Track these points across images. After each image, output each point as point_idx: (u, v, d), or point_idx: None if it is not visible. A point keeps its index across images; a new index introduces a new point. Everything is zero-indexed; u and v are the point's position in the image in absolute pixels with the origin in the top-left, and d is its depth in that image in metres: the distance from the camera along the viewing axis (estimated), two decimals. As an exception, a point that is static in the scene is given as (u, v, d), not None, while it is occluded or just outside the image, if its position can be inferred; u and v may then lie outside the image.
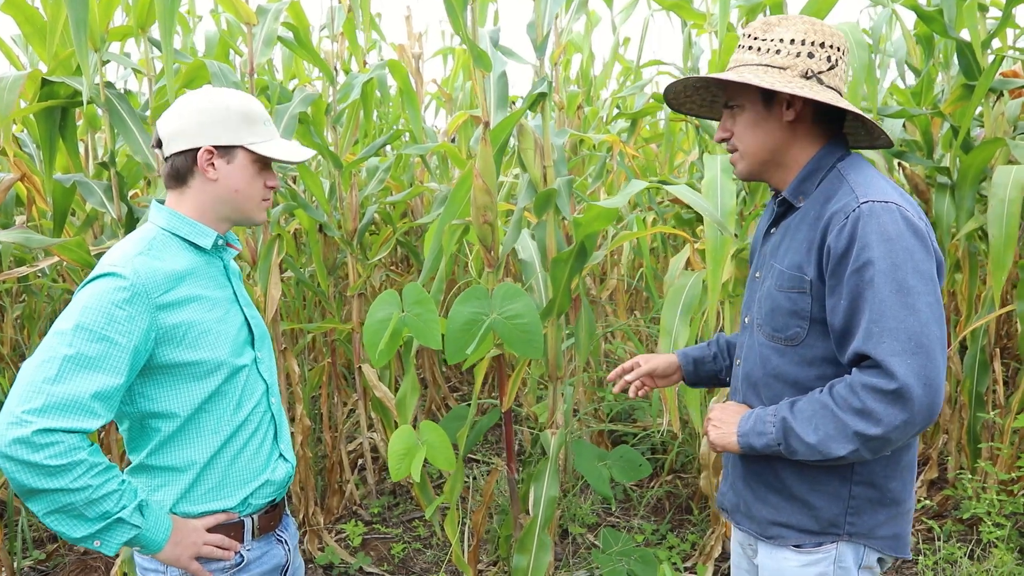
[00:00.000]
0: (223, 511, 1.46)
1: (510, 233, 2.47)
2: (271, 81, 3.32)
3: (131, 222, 2.75)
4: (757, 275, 1.55)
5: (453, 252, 2.50)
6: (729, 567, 2.95)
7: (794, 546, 1.45)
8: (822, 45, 1.39)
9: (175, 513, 1.42)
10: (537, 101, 2.31)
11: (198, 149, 1.44)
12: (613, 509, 3.58)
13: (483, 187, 2.29)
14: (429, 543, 3.42)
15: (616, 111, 4.35)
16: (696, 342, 2.60)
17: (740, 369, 1.56)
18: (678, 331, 2.39)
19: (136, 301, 1.31)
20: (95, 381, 1.26)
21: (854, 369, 1.30)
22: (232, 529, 1.47)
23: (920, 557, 2.95)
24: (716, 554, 2.98)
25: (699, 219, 3.59)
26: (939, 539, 3.07)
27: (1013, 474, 3.05)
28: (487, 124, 2.22)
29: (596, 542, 3.24)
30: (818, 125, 1.44)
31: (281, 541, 1.60)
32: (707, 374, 1.79)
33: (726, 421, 1.46)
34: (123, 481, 1.31)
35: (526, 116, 2.44)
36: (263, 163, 1.51)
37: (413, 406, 2.49)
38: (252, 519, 1.51)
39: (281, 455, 1.59)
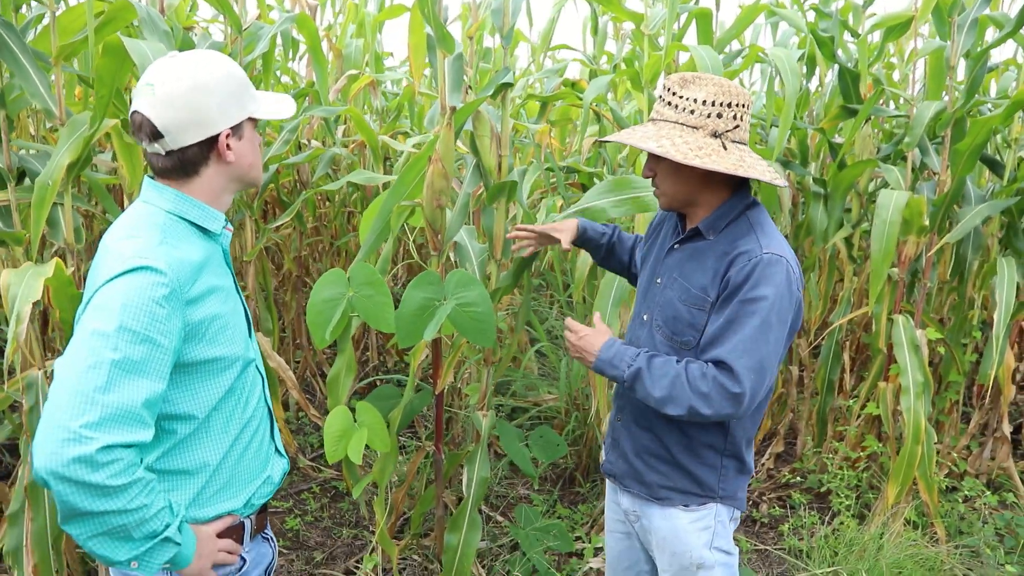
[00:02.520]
0: (229, 513, 1.40)
1: (456, 218, 2.47)
2: (174, 24, 3.03)
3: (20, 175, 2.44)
4: (658, 281, 1.80)
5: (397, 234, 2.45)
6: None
7: (683, 506, 1.78)
8: (728, 105, 1.60)
9: (186, 520, 1.34)
10: (500, 90, 2.31)
11: (216, 136, 1.32)
12: (536, 486, 3.71)
13: (442, 171, 2.27)
14: (320, 517, 3.38)
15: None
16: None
17: None
18: (611, 323, 2.52)
19: (173, 298, 1.21)
20: (144, 388, 1.15)
21: (710, 363, 1.61)
22: (234, 532, 1.42)
23: (784, 526, 3.34)
24: (609, 525, 3.20)
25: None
26: (793, 507, 3.51)
27: (859, 453, 3.53)
28: (453, 108, 2.19)
29: (492, 514, 3.36)
30: (727, 173, 1.65)
31: (267, 539, 1.56)
32: (592, 246, 2.19)
33: (590, 339, 1.75)
34: (166, 496, 1.23)
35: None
36: (253, 121, 1.41)
37: (348, 386, 2.44)
38: (251, 520, 1.46)
39: (277, 450, 1.54)
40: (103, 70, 2.28)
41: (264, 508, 1.52)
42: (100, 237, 4.00)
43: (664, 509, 1.80)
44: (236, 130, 1.35)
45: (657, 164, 1.69)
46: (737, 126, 1.61)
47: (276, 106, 1.42)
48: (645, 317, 1.81)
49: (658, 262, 1.83)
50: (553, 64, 4.08)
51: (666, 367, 1.62)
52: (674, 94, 1.62)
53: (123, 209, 3.38)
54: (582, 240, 2.17)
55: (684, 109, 1.60)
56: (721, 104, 1.59)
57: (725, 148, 1.58)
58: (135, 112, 1.29)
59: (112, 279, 1.20)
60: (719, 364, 1.59)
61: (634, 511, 1.88)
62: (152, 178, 1.37)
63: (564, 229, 2.14)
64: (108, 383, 1.12)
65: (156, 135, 1.28)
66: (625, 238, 2.19)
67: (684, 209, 1.75)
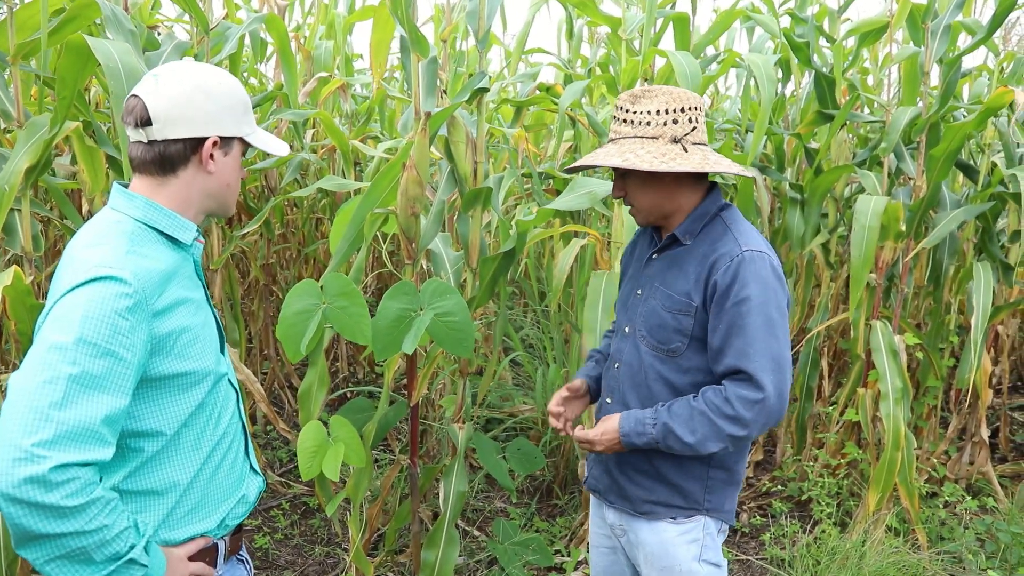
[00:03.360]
0: (203, 535, 1.32)
1: (431, 226, 2.40)
2: (138, 23, 2.91)
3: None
4: (639, 292, 1.77)
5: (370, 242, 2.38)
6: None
7: (670, 519, 1.74)
8: (682, 110, 1.61)
9: (157, 542, 1.26)
10: (475, 95, 2.24)
11: (203, 139, 1.28)
12: (514, 499, 3.63)
13: (416, 178, 2.19)
14: (290, 535, 3.27)
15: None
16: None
17: (620, 371, 1.78)
18: (602, 328, 2.47)
19: (138, 310, 1.15)
20: (104, 403, 1.09)
21: (725, 381, 1.59)
22: (207, 554, 1.34)
23: (765, 535, 3.30)
24: (588, 537, 3.14)
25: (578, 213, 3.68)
26: (774, 516, 3.47)
27: (839, 460, 3.50)
28: (428, 114, 2.12)
29: (469, 529, 3.28)
30: (695, 176, 1.68)
31: (242, 560, 1.50)
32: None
33: (607, 431, 1.70)
34: (131, 516, 1.15)
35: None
36: (245, 147, 1.38)
37: (321, 400, 2.35)
38: (224, 541, 1.39)
39: (252, 468, 1.46)
40: (65, 70, 2.18)
41: (239, 529, 1.45)
42: (59, 244, 3.85)
43: (651, 523, 1.76)
44: (225, 144, 1.32)
45: (625, 182, 1.69)
46: (695, 128, 1.62)
47: (271, 141, 1.41)
48: (627, 329, 1.79)
49: (637, 274, 1.82)
50: (527, 68, 4.03)
51: (684, 407, 1.60)
52: (627, 111, 1.64)
53: (83, 215, 3.26)
54: (595, 383, 1.99)
55: (640, 123, 1.62)
56: (674, 111, 1.61)
57: (686, 151, 1.59)
58: (132, 96, 1.27)
59: (73, 289, 1.14)
60: (733, 375, 1.57)
61: (620, 525, 1.84)
62: (123, 185, 1.32)
63: (579, 398, 1.97)
64: (64, 399, 1.06)
65: (145, 121, 1.26)
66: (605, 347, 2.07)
67: (660, 222, 1.74)
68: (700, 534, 1.75)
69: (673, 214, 1.70)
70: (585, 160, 1.70)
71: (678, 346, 1.66)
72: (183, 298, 1.27)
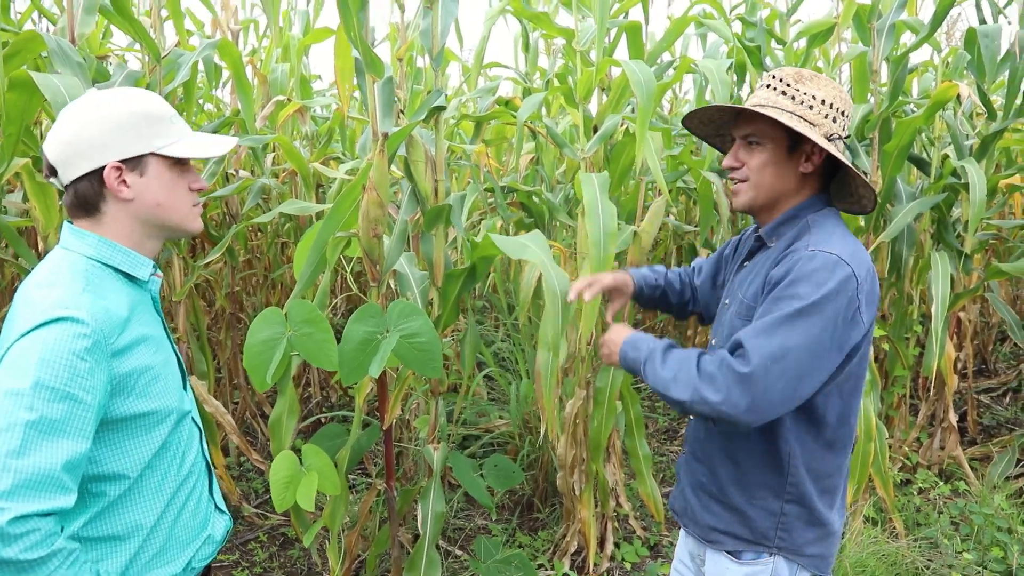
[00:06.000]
0: None
1: (394, 246, 2.38)
2: (87, 55, 2.87)
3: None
4: (725, 302, 1.67)
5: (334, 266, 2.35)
6: (583, 561, 3.13)
7: (729, 552, 1.58)
8: (843, 113, 1.52)
9: None
10: (432, 114, 2.24)
11: (102, 169, 1.23)
12: (493, 516, 3.60)
13: (377, 200, 2.18)
14: (269, 568, 3.21)
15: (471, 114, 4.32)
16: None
17: None
18: (561, 345, 2.45)
19: (96, 351, 1.12)
20: (63, 449, 1.06)
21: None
22: None
23: None
24: (571, 550, 3.13)
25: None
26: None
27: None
28: (386, 135, 2.11)
29: (451, 549, 3.25)
30: (817, 180, 1.56)
31: None
32: (652, 298, 1.99)
33: (614, 340, 1.65)
34: (93, 565, 1.12)
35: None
36: (181, 165, 1.32)
37: (292, 429, 2.32)
38: None
39: (217, 507, 1.43)
40: (11, 106, 2.14)
41: (207, 571, 1.42)
42: (12, 283, 3.76)
43: (715, 555, 1.61)
44: (135, 166, 1.26)
45: (750, 154, 1.54)
46: (849, 135, 1.54)
47: (201, 145, 1.32)
48: (713, 342, 1.69)
49: (727, 283, 1.73)
50: (486, 82, 4.04)
51: (682, 351, 1.50)
52: (789, 85, 1.51)
53: (38, 253, 3.18)
54: (637, 296, 1.98)
55: (803, 103, 1.49)
56: (838, 110, 1.50)
57: (843, 152, 1.49)
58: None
59: (28, 332, 1.11)
60: (735, 348, 1.43)
61: (699, 554, 1.71)
62: (71, 222, 1.29)
63: (614, 280, 1.91)
64: (22, 446, 1.03)
65: (52, 170, 1.25)
66: (672, 279, 2.01)
67: (763, 210, 1.59)
68: None
69: (776, 209, 1.57)
70: (749, 102, 1.55)
71: None
72: (143, 336, 1.24)
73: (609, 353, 1.66)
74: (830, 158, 1.53)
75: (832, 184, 1.61)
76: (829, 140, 1.49)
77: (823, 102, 1.49)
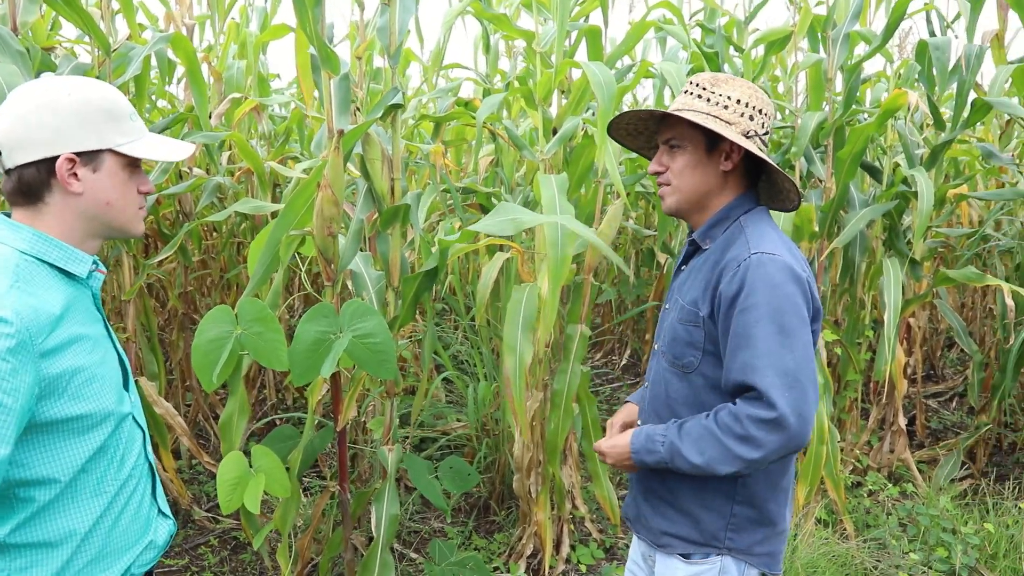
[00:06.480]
0: None
1: (349, 245, 2.35)
2: (30, 45, 2.78)
3: None
4: (666, 306, 1.70)
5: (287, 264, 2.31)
6: (539, 564, 3.11)
7: (680, 555, 1.61)
8: (760, 111, 1.55)
9: None
10: (389, 112, 2.21)
11: (54, 158, 1.18)
12: (448, 518, 3.57)
13: (332, 198, 2.14)
14: (220, 572, 3.14)
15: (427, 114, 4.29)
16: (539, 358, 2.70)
17: (648, 392, 1.71)
18: (523, 348, 2.44)
19: (21, 351, 1.06)
20: None
21: (738, 399, 1.46)
22: None
23: None
24: (527, 552, 3.12)
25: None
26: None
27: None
28: (341, 132, 2.08)
29: (405, 552, 3.22)
30: (741, 179, 1.60)
31: None
32: None
33: (618, 445, 1.61)
34: None
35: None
36: (133, 166, 1.28)
37: (242, 430, 2.27)
38: None
39: (160, 512, 1.38)
40: (-56, 95, 2.05)
41: None
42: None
43: (666, 558, 1.63)
44: (89, 160, 1.21)
45: (672, 158, 1.58)
46: (766, 133, 1.56)
47: (160, 147, 1.28)
48: (656, 346, 1.70)
49: (667, 289, 1.76)
50: (446, 83, 4.02)
51: (696, 426, 1.48)
52: (705, 88, 1.56)
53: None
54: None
55: (718, 104, 1.54)
56: (754, 108, 1.54)
57: (760, 149, 1.53)
58: None
59: None
60: (743, 391, 1.44)
61: (650, 556, 1.73)
62: (7, 215, 1.23)
63: (626, 417, 1.87)
64: None
65: None
66: None
67: (690, 213, 1.63)
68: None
69: (704, 210, 1.60)
70: (670, 108, 1.58)
71: (691, 360, 1.56)
72: (77, 335, 1.18)
73: (616, 462, 1.62)
74: (751, 156, 1.58)
75: (761, 183, 1.65)
76: (747, 137, 1.53)
77: (738, 101, 1.54)
